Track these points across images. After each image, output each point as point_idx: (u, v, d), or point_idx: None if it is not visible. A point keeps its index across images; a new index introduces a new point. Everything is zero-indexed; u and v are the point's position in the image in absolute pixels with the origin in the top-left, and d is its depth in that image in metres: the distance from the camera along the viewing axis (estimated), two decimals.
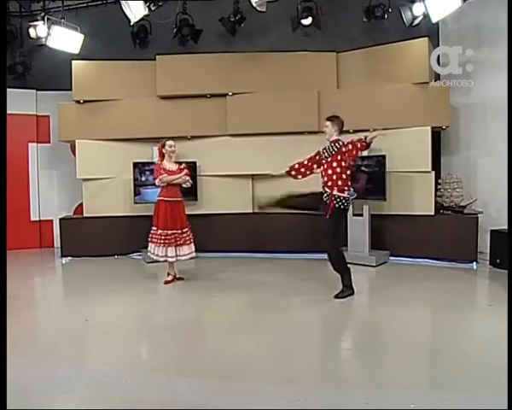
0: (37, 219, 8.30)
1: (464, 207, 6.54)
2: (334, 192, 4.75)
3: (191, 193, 7.17)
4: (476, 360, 3.29)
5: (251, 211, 7.32)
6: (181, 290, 5.76)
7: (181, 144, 7.32)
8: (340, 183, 4.76)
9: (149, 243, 5.54)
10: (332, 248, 4.87)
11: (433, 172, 6.60)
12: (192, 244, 5.69)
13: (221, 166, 7.29)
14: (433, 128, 6.57)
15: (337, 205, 4.74)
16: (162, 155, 5.57)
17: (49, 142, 8.27)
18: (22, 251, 7.70)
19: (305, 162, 5.05)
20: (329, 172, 4.81)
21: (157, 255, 5.48)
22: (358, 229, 6.60)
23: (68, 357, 3.48)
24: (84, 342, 3.90)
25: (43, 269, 6.95)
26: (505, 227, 5.88)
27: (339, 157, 4.77)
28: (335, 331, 4.16)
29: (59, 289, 5.91)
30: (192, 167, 7.15)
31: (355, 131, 6.92)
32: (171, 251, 5.47)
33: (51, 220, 8.23)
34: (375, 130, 4.87)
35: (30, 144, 8.22)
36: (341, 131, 4.99)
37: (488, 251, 6.29)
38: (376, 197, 6.45)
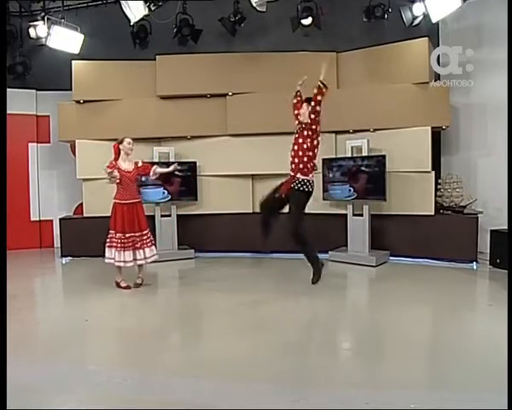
0: (37, 219, 8.30)
1: (464, 207, 6.54)
2: (298, 175, 5.01)
3: (191, 193, 7.21)
4: (476, 360, 3.29)
5: (251, 211, 7.32)
6: (180, 290, 5.77)
7: (181, 144, 7.37)
8: (301, 166, 5.02)
9: (107, 248, 5.23)
10: (295, 228, 5.10)
11: (433, 172, 6.60)
12: (153, 247, 5.40)
13: (221, 166, 7.29)
14: (433, 128, 6.57)
15: (301, 188, 5.02)
16: (118, 154, 5.27)
17: (49, 142, 8.28)
18: (22, 251, 7.70)
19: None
20: (295, 147, 5.10)
21: (116, 260, 5.18)
22: (358, 229, 6.59)
23: (68, 357, 3.48)
24: (84, 342, 3.90)
25: (43, 269, 6.95)
26: (505, 227, 5.87)
27: (305, 132, 5.00)
28: (335, 331, 4.16)
29: (59, 290, 5.91)
30: (192, 167, 7.19)
31: (355, 131, 6.96)
32: (128, 255, 5.19)
33: (51, 220, 8.23)
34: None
35: (30, 144, 8.22)
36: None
37: (488, 251, 6.28)
38: (376, 197, 6.45)
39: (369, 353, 3.54)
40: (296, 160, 5.12)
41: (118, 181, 5.20)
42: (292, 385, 2.97)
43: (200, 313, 4.80)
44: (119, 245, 5.18)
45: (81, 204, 7.58)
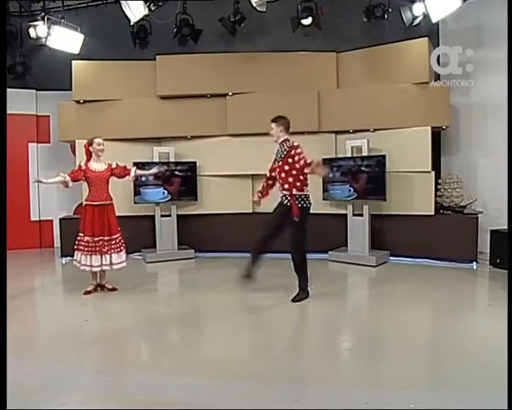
0: (37, 219, 8.31)
1: (464, 207, 6.54)
2: (294, 192, 4.66)
3: (191, 193, 7.21)
4: (476, 360, 3.29)
5: (251, 211, 7.32)
6: (180, 290, 5.77)
7: (181, 144, 7.37)
8: (298, 184, 4.67)
9: (75, 251, 5.07)
10: (297, 249, 4.79)
11: (433, 172, 6.60)
12: (122, 252, 5.15)
13: (221, 166, 7.29)
14: (433, 128, 6.58)
15: (299, 205, 4.66)
16: (89, 155, 5.12)
17: (49, 142, 8.28)
18: (22, 251, 7.70)
19: (266, 183, 5.07)
20: (283, 175, 4.71)
21: (82, 264, 5.02)
22: (358, 229, 6.60)
23: (68, 357, 3.48)
24: (84, 342, 3.89)
25: (43, 269, 6.95)
26: (505, 227, 5.88)
27: (289, 160, 4.64)
28: (335, 331, 4.16)
29: (59, 290, 5.90)
30: (192, 167, 7.19)
31: (355, 131, 6.96)
32: (95, 260, 4.99)
33: (51, 220, 8.23)
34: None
35: (30, 144, 8.22)
36: (288, 131, 4.82)
37: (488, 251, 6.29)
38: (376, 197, 6.45)
39: (369, 353, 3.54)
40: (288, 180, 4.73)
41: (70, 186, 5.07)
42: (292, 385, 2.97)
43: (200, 312, 4.79)
44: (86, 249, 5.00)
45: (81, 204, 7.56)
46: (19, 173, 7.91)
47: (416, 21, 6.60)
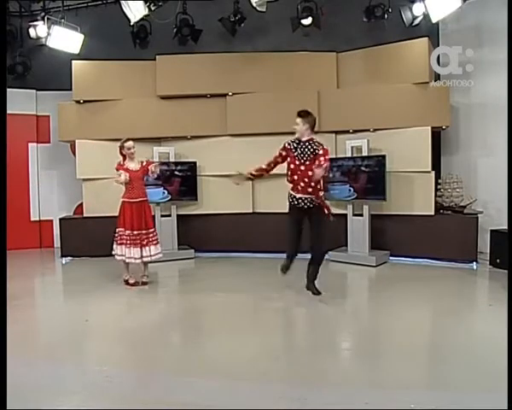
0: (37, 219, 8.30)
1: (464, 207, 6.54)
2: (321, 194, 4.67)
3: (191, 193, 7.21)
4: (476, 360, 3.29)
5: (251, 211, 7.33)
6: (181, 290, 5.77)
7: (181, 144, 7.37)
8: (318, 186, 4.65)
9: (117, 245, 5.40)
10: (325, 246, 4.86)
11: (433, 172, 6.60)
12: (159, 245, 5.53)
13: (221, 166, 7.28)
14: (433, 128, 6.57)
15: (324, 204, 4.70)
16: (124, 156, 5.42)
17: (49, 142, 8.27)
18: (22, 251, 7.69)
19: (266, 166, 4.88)
20: (309, 173, 4.53)
21: (127, 256, 5.34)
22: (358, 229, 6.59)
23: (68, 357, 3.48)
24: (84, 342, 3.90)
25: (43, 269, 6.95)
26: (505, 227, 5.88)
27: (317, 162, 4.46)
28: (335, 331, 4.16)
29: (59, 290, 5.90)
30: (192, 167, 7.19)
31: (355, 131, 6.96)
32: (136, 252, 5.34)
33: (51, 220, 8.23)
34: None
35: (30, 144, 8.22)
36: (313, 130, 4.73)
37: (488, 251, 6.29)
38: (376, 197, 6.45)
39: (369, 353, 3.54)
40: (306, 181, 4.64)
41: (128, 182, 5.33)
42: (292, 385, 2.97)
43: (200, 312, 4.80)
44: (128, 242, 5.32)
45: (81, 204, 7.58)
46: (19, 173, 7.91)
47: (416, 21, 6.60)
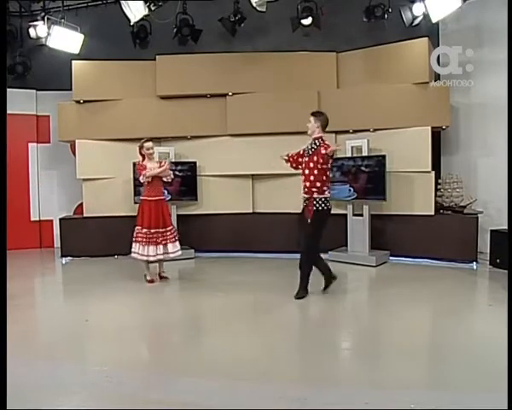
0: (37, 219, 8.30)
1: (464, 207, 6.54)
2: (315, 196, 4.68)
3: (191, 193, 7.21)
4: (476, 360, 3.29)
5: (251, 211, 7.33)
6: (181, 290, 5.77)
7: (181, 144, 7.37)
8: (318, 184, 4.67)
9: (134, 243, 5.49)
10: (309, 251, 4.79)
11: (433, 172, 6.60)
12: (177, 242, 5.62)
13: (221, 166, 7.29)
14: (433, 128, 6.57)
15: (315, 208, 4.66)
16: (143, 156, 5.55)
17: (49, 142, 8.27)
18: (22, 251, 7.69)
19: (295, 156, 4.98)
20: (306, 172, 4.74)
21: (140, 254, 5.44)
22: (358, 229, 6.60)
23: (68, 357, 3.48)
24: (84, 342, 3.90)
25: (43, 269, 6.95)
26: (505, 227, 5.88)
27: (315, 158, 4.65)
28: (335, 331, 4.16)
29: (59, 290, 5.90)
30: (192, 167, 7.19)
31: (355, 131, 6.96)
32: (152, 250, 5.43)
33: (51, 220, 8.23)
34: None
35: (30, 144, 8.21)
36: (325, 130, 4.84)
37: (488, 251, 6.28)
38: (376, 197, 6.45)
39: (369, 353, 3.54)
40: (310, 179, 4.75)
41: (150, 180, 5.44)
42: (292, 385, 2.97)
43: (200, 313, 4.80)
44: (144, 240, 5.41)
45: (81, 204, 7.58)
46: (19, 173, 7.91)
47: (416, 21, 6.60)
